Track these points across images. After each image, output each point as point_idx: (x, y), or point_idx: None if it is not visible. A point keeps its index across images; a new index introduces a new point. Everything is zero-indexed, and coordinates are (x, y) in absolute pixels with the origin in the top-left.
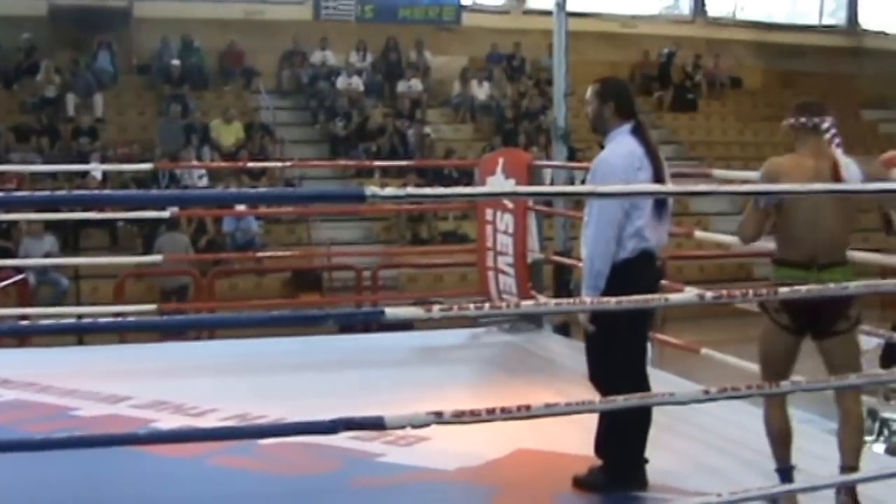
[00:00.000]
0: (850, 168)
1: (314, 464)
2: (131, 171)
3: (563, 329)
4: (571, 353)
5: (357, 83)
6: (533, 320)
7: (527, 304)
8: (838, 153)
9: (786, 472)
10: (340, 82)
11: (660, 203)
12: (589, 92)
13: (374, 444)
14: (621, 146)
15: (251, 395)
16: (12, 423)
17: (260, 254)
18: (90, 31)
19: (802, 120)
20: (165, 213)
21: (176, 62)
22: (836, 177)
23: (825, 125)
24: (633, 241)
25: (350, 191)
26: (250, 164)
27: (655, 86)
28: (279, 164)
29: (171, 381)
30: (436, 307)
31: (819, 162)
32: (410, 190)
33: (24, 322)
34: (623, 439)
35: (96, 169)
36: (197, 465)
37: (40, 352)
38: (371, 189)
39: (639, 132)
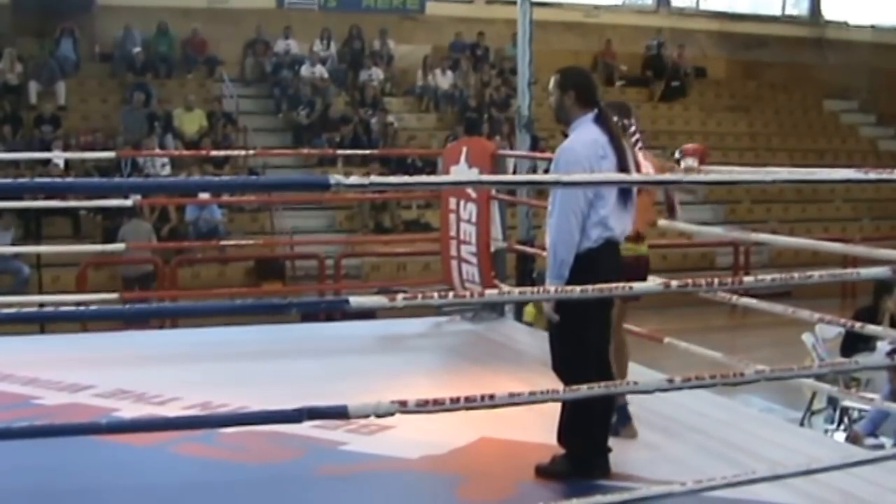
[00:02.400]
0: (646, 163)
1: (277, 452)
2: (94, 159)
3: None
4: (534, 342)
5: (321, 72)
6: (495, 309)
7: (490, 294)
8: (639, 154)
9: (623, 409)
10: (304, 71)
11: (624, 192)
12: (551, 82)
13: (338, 433)
14: (584, 134)
15: (214, 384)
16: None
17: (223, 242)
18: (53, 18)
19: (614, 119)
20: (128, 202)
21: (138, 50)
22: (639, 171)
23: (633, 128)
24: (597, 230)
25: (315, 179)
26: (213, 153)
27: (649, 76)
28: (242, 152)
29: (133, 369)
30: (399, 296)
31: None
32: (374, 178)
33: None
34: (586, 428)
35: (59, 157)
36: (159, 454)
37: (1, 340)
38: (335, 177)
39: (601, 120)
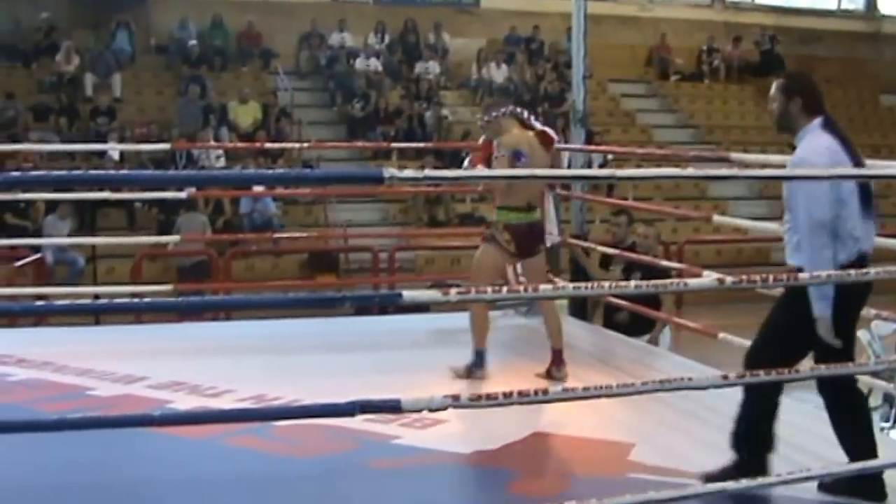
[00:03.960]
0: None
1: (329, 445)
2: (149, 151)
3: (580, 312)
4: (587, 337)
5: (375, 65)
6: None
7: (544, 288)
8: (537, 124)
9: (480, 354)
10: (358, 64)
11: (866, 198)
12: (772, 88)
13: (390, 427)
14: (816, 143)
15: (267, 377)
16: (28, 403)
17: (277, 235)
18: (109, 11)
19: (495, 113)
20: (183, 194)
21: (194, 42)
22: (544, 140)
23: (518, 109)
24: (849, 244)
25: (369, 172)
26: (268, 146)
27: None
28: (297, 145)
29: (187, 361)
30: (453, 290)
31: (524, 132)
32: (428, 172)
33: (41, 301)
34: (758, 432)
35: (114, 149)
36: (212, 446)
37: (56, 331)
38: (389, 171)
39: (831, 126)
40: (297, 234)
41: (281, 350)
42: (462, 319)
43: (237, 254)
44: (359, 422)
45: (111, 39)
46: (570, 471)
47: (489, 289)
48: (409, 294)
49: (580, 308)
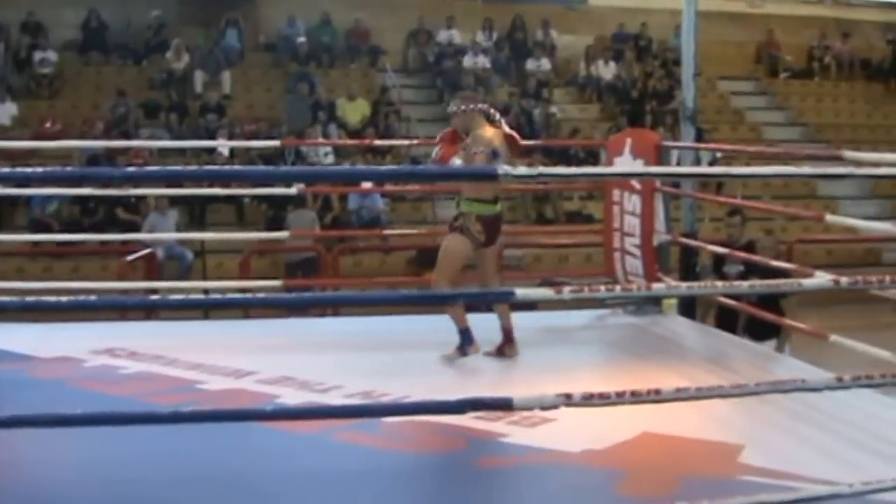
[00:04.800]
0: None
1: (438, 443)
2: (258, 147)
3: (689, 311)
4: (696, 336)
5: (483, 62)
6: (658, 302)
7: (658, 287)
8: (504, 126)
9: (466, 331)
10: (466, 61)
11: None
12: None
13: (499, 425)
14: None
15: (376, 373)
16: (140, 396)
17: (387, 232)
18: (218, 9)
19: (471, 105)
20: (293, 190)
21: (302, 40)
22: (512, 143)
23: (492, 109)
24: None
25: (483, 169)
26: (377, 143)
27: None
28: (405, 142)
29: (296, 356)
30: (566, 289)
31: (497, 131)
32: (542, 169)
33: (155, 296)
34: None
35: (224, 145)
36: (320, 441)
37: (167, 325)
38: (503, 167)
39: None
40: (405, 231)
41: (389, 346)
42: (571, 317)
43: (345, 250)
44: (467, 419)
45: (220, 37)
46: (680, 471)
47: (602, 287)
48: (521, 292)
49: (689, 307)
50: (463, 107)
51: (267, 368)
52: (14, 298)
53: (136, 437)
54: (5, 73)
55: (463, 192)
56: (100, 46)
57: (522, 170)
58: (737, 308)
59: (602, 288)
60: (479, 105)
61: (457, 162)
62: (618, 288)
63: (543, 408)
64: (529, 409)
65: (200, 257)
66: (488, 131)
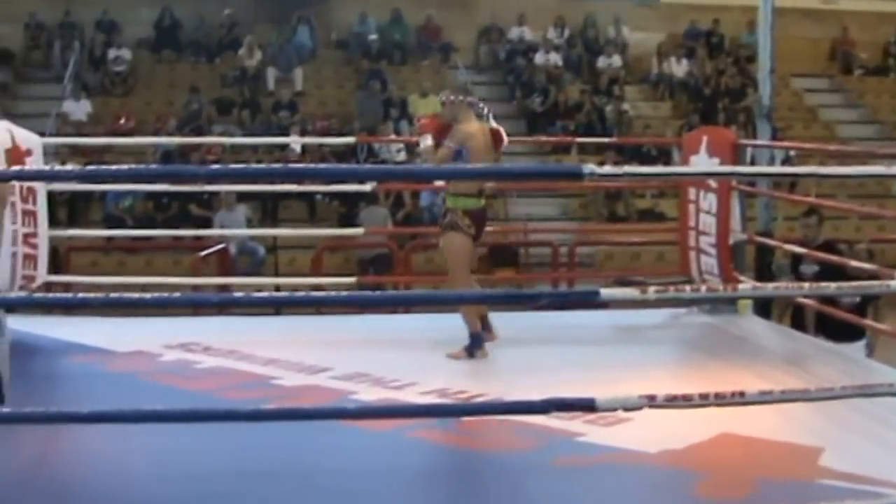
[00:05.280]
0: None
1: (515, 441)
2: (331, 144)
3: (764, 311)
4: (771, 336)
5: (555, 59)
6: (733, 301)
7: (744, 288)
8: (492, 121)
9: (477, 336)
10: (538, 58)
11: None
12: None
13: (575, 423)
14: None
15: (450, 370)
16: (215, 391)
17: None
18: (290, 6)
19: (461, 97)
20: (367, 187)
21: (374, 37)
22: (496, 137)
23: (481, 104)
24: None
25: (568, 168)
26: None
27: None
28: None
29: (369, 353)
30: (651, 288)
31: (482, 126)
32: (628, 168)
33: (237, 293)
34: None
35: (296, 142)
36: (395, 438)
37: (240, 320)
38: (589, 166)
39: None
40: None
41: (461, 343)
42: (645, 315)
43: (417, 247)
44: (542, 417)
45: (292, 34)
46: (759, 474)
47: (687, 287)
48: (606, 291)
49: (764, 307)
50: (452, 97)
51: (341, 365)
52: (99, 295)
53: (211, 430)
54: (80, 71)
55: (449, 187)
56: (173, 44)
57: (608, 168)
58: (815, 309)
59: (687, 288)
60: (466, 98)
61: (427, 143)
62: (704, 288)
63: (627, 409)
64: (613, 409)
65: (272, 253)
66: (472, 125)
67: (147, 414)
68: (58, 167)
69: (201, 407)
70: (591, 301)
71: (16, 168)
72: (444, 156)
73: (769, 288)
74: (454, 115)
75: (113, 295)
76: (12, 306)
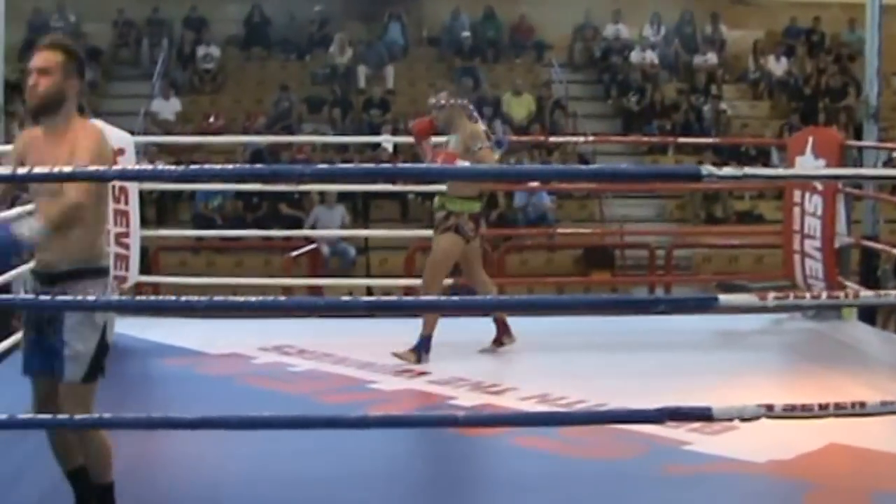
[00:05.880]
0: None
1: (620, 448)
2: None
3: (869, 317)
4: (879, 343)
5: (651, 57)
6: (837, 307)
7: (866, 295)
8: (482, 123)
9: (429, 339)
10: (634, 56)
11: None
12: None
13: (680, 432)
14: None
15: (549, 375)
16: (312, 394)
17: (561, 230)
18: (381, 3)
19: (458, 101)
20: None
21: (467, 34)
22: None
23: (471, 106)
24: None
25: (685, 169)
26: (552, 139)
27: None
28: (581, 139)
29: (467, 357)
30: (770, 295)
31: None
32: (748, 170)
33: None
34: None
35: (388, 141)
36: (499, 445)
37: (333, 322)
38: (707, 168)
39: None
40: (573, 230)
41: (560, 347)
42: (746, 321)
43: (511, 248)
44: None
45: (384, 31)
46: (869, 486)
47: (807, 294)
48: (724, 298)
49: (870, 313)
50: (452, 101)
51: (439, 369)
52: (202, 298)
53: (308, 434)
54: (169, 69)
55: (449, 190)
56: (262, 41)
57: (727, 170)
58: None
59: (807, 296)
60: (461, 101)
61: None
62: (824, 295)
63: (743, 419)
64: (729, 419)
65: (364, 254)
66: (478, 127)
67: (254, 420)
68: (163, 167)
69: (300, 411)
70: (714, 308)
71: (119, 168)
72: (490, 158)
73: (893, 296)
74: (450, 118)
75: (219, 298)
76: (123, 310)
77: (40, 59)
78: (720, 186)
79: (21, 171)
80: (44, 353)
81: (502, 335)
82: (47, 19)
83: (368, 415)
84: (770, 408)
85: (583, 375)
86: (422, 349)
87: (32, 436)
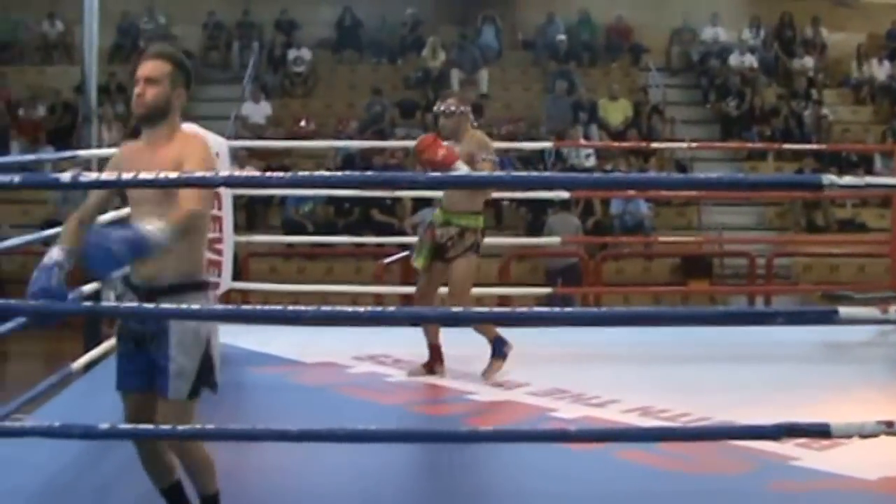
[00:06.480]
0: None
1: (726, 464)
2: (521, 149)
3: None
4: None
5: (750, 61)
6: None
7: None
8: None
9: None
10: (732, 60)
11: None
12: None
13: (788, 447)
14: None
15: (651, 387)
16: (407, 405)
17: (657, 238)
18: (475, 6)
19: (468, 108)
20: (565, 194)
21: (562, 37)
22: None
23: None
24: None
25: (805, 178)
26: (652, 145)
27: None
28: (673, 145)
29: (567, 368)
30: (892, 308)
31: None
32: (870, 179)
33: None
34: None
35: None
36: (602, 459)
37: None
38: (828, 177)
39: None
40: (672, 239)
41: (661, 359)
42: (848, 332)
43: (607, 256)
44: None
45: (477, 35)
46: None
47: None
48: (845, 311)
49: None
50: (462, 108)
51: (538, 380)
52: (310, 307)
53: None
54: (259, 72)
55: (457, 205)
56: (354, 44)
57: (848, 179)
58: None
59: None
60: (468, 107)
61: (464, 168)
62: None
63: (863, 436)
64: (848, 436)
65: None
66: (486, 137)
67: (360, 434)
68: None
69: (397, 422)
70: (836, 323)
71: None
72: (490, 170)
73: None
74: (458, 126)
75: (325, 308)
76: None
77: (148, 68)
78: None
79: (126, 176)
80: (142, 369)
81: (435, 362)
82: (136, 22)
83: (478, 429)
84: (890, 424)
85: (685, 387)
86: (501, 348)
87: (122, 447)
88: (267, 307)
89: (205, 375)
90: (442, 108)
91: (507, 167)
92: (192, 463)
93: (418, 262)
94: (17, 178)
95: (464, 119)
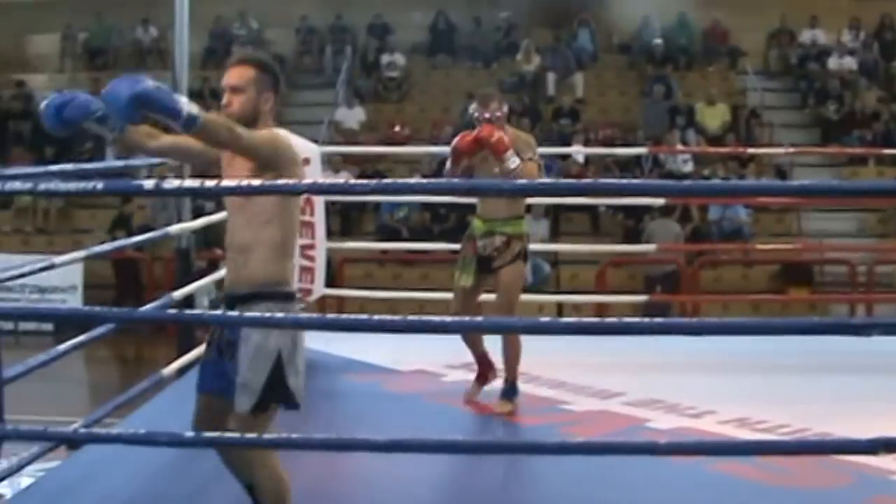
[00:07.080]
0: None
1: (823, 477)
2: (617, 154)
3: None
4: None
5: (850, 64)
6: None
7: None
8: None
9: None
10: (831, 63)
11: None
12: None
13: (888, 460)
14: None
15: (748, 398)
16: (502, 414)
17: (756, 246)
18: (570, 9)
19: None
20: (661, 201)
21: (658, 41)
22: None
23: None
24: None
25: None
26: (751, 151)
27: None
28: (774, 150)
29: (662, 377)
30: None
31: None
32: None
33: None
34: None
35: (579, 152)
36: (695, 472)
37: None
38: None
39: None
40: (772, 246)
41: (758, 369)
42: None
43: (705, 263)
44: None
45: (572, 38)
46: None
47: None
48: None
49: None
50: (505, 108)
51: (634, 389)
52: (397, 317)
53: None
54: (352, 77)
55: (498, 212)
56: (448, 48)
57: None
58: None
59: None
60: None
61: (515, 159)
62: None
63: None
64: None
65: (554, 268)
66: (530, 136)
67: (454, 444)
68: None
69: (491, 432)
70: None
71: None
72: (534, 171)
73: None
74: (501, 129)
75: (412, 318)
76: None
77: (231, 76)
78: None
79: (209, 183)
80: (220, 375)
81: (487, 372)
82: (229, 26)
83: (566, 441)
84: None
85: (783, 398)
86: (513, 393)
87: (213, 452)
88: (353, 316)
89: (275, 391)
90: (486, 114)
91: (553, 170)
92: (257, 481)
93: (465, 280)
94: (99, 185)
95: (503, 121)
